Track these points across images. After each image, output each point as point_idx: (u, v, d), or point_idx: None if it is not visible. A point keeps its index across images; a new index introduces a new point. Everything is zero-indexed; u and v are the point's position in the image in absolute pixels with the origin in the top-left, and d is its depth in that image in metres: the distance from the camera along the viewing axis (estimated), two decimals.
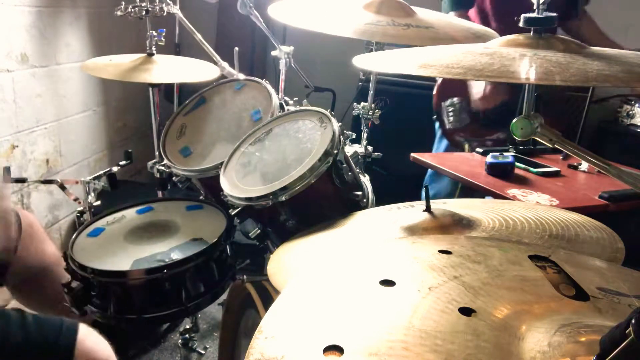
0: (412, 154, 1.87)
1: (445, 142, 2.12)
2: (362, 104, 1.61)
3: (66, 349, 0.98)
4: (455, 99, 2.03)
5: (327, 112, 1.25)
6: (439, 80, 2.11)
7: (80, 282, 1.23)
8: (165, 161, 1.51)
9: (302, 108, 1.39)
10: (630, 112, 2.46)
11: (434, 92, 2.10)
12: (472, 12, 2.10)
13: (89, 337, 1.03)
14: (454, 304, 0.50)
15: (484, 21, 2.04)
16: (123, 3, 1.70)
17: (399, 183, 2.26)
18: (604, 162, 0.80)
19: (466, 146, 2.00)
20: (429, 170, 2.15)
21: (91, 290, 1.25)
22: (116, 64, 1.72)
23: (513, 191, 1.43)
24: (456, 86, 2.05)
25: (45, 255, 1.37)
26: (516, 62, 0.68)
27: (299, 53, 1.76)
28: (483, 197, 1.50)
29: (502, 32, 0.88)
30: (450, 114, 2.03)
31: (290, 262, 0.96)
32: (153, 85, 1.80)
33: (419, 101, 2.30)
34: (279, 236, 1.25)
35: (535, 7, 0.79)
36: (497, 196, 1.42)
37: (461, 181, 1.59)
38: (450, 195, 1.98)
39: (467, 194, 1.78)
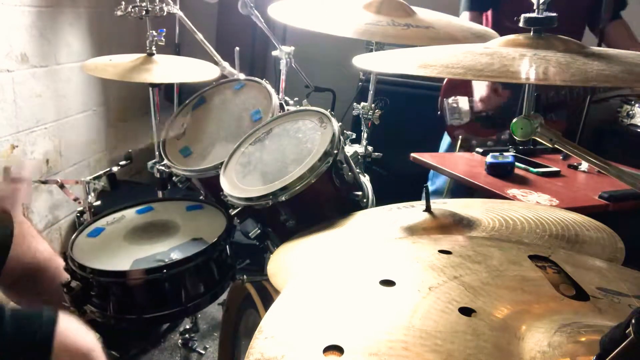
0: (412, 154, 1.87)
1: (448, 138, 2.15)
2: (362, 104, 1.61)
3: (43, 343, 0.93)
4: (456, 98, 2.06)
5: (327, 112, 1.25)
6: (446, 79, 2.13)
7: (79, 282, 1.23)
8: (165, 161, 1.51)
9: (302, 108, 1.39)
10: (630, 112, 2.46)
11: (441, 89, 2.13)
12: (488, 14, 2.11)
13: (69, 328, 0.98)
14: (454, 304, 0.50)
15: (498, 21, 2.05)
16: (123, 3, 1.70)
17: (399, 183, 2.26)
18: (604, 162, 0.80)
19: (458, 142, 2.03)
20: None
21: (91, 290, 1.24)
22: (116, 64, 1.72)
23: (513, 191, 1.43)
24: (461, 85, 2.07)
25: (38, 253, 1.37)
26: (516, 62, 0.68)
27: (299, 53, 1.76)
28: (472, 196, 1.50)
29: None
30: (452, 111, 2.06)
31: (290, 262, 0.96)
32: (153, 85, 1.80)
33: (419, 101, 2.30)
34: (279, 236, 1.25)
35: (535, 7, 0.79)
36: (496, 196, 1.42)
37: (461, 181, 1.59)
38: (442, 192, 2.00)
39: (460, 193, 1.79)
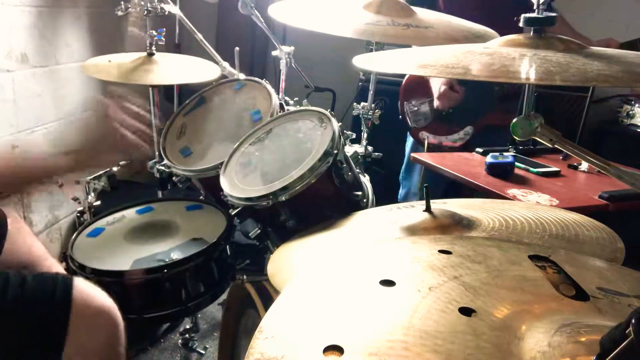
0: (412, 154, 1.87)
1: (412, 140, 2.17)
2: (362, 104, 1.61)
3: (63, 297, 1.01)
4: (417, 100, 2.09)
5: (327, 112, 1.25)
6: (404, 80, 2.15)
7: None
8: (165, 161, 1.51)
9: (302, 108, 1.39)
10: (630, 112, 2.45)
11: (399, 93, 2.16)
12: None
13: (85, 285, 1.06)
14: (454, 304, 0.50)
15: None
16: (123, 3, 1.70)
17: (399, 183, 2.26)
18: (604, 162, 0.80)
19: (426, 144, 2.06)
20: (403, 166, 2.20)
21: None
22: (116, 64, 1.72)
23: (513, 191, 1.43)
24: (418, 87, 2.09)
25: (33, 249, 1.38)
26: (516, 62, 0.68)
27: (299, 53, 1.76)
28: (472, 195, 1.50)
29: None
30: (414, 113, 2.09)
31: (290, 263, 0.96)
32: (153, 85, 1.80)
33: None
34: (279, 236, 1.25)
35: (535, 7, 0.79)
36: (496, 196, 1.42)
37: (461, 181, 1.59)
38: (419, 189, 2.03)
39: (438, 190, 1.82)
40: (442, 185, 1.85)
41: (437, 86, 2.00)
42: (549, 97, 2.19)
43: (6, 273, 1.04)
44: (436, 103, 2.01)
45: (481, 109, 2.02)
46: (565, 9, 2.10)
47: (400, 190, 2.22)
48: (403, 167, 2.22)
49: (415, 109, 2.09)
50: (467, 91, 1.95)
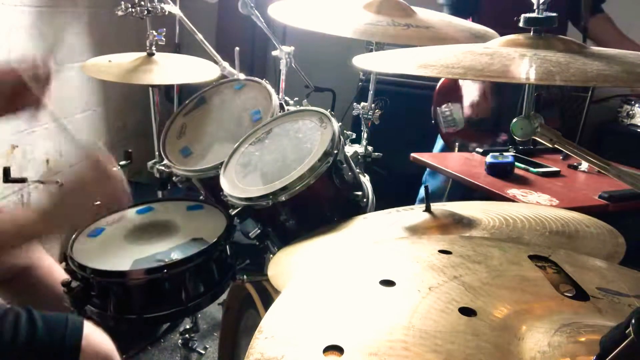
0: (412, 154, 1.87)
1: (442, 142, 2.15)
2: (362, 104, 1.61)
3: (73, 346, 1.00)
4: (450, 104, 2.07)
5: (327, 112, 1.25)
6: (439, 85, 2.14)
7: (80, 282, 1.23)
8: (165, 161, 1.51)
9: (302, 108, 1.39)
10: (630, 112, 2.45)
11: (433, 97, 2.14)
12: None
13: (93, 333, 1.05)
14: (454, 304, 0.50)
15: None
16: (123, 3, 1.70)
17: (399, 183, 2.26)
18: (604, 162, 0.80)
19: (456, 148, 2.05)
20: (427, 169, 2.19)
21: (91, 290, 1.24)
22: (116, 64, 1.71)
23: (513, 191, 1.43)
24: (452, 92, 2.08)
25: (30, 251, 1.38)
26: (516, 62, 0.68)
27: (299, 53, 1.76)
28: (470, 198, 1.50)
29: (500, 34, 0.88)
30: (446, 118, 2.07)
31: (291, 266, 0.96)
32: (153, 85, 1.80)
33: (419, 101, 2.30)
34: (279, 236, 1.25)
35: (535, 7, 0.79)
36: (497, 196, 1.42)
37: (461, 181, 1.59)
38: (442, 192, 2.01)
39: (459, 193, 1.81)
40: (463, 186, 1.84)
41: (469, 93, 1.98)
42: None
43: (17, 311, 1.02)
44: (467, 109, 2.00)
45: (514, 116, 2.01)
46: (613, 13, 2.09)
47: (421, 190, 2.22)
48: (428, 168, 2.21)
49: (448, 113, 2.08)
50: (501, 99, 1.94)
